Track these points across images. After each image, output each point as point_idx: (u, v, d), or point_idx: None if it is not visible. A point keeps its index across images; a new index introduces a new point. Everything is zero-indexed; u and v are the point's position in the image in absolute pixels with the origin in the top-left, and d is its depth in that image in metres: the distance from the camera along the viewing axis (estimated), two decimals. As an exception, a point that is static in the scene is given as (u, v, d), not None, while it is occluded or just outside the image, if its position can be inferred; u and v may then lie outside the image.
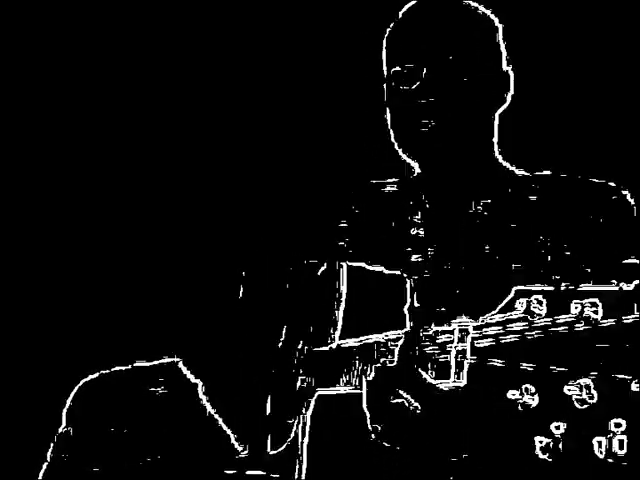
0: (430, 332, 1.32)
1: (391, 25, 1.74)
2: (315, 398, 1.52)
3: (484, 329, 1.23)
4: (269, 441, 1.56)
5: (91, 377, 1.65)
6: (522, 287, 1.20)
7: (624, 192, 1.66)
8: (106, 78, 2.73)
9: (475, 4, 1.73)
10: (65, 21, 2.72)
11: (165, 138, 2.72)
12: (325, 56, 2.64)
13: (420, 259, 1.67)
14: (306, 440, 1.51)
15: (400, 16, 1.73)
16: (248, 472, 1.56)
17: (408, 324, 1.55)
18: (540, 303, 1.18)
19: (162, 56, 2.72)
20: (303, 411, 1.53)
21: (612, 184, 1.67)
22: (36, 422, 2.45)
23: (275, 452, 1.55)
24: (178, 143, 2.73)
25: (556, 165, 1.75)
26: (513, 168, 1.76)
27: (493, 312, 1.22)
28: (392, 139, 1.73)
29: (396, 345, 1.36)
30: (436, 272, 1.65)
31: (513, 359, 1.19)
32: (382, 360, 1.39)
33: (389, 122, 1.73)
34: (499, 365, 1.20)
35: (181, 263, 2.68)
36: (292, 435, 1.54)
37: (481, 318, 1.24)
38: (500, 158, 1.75)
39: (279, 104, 2.68)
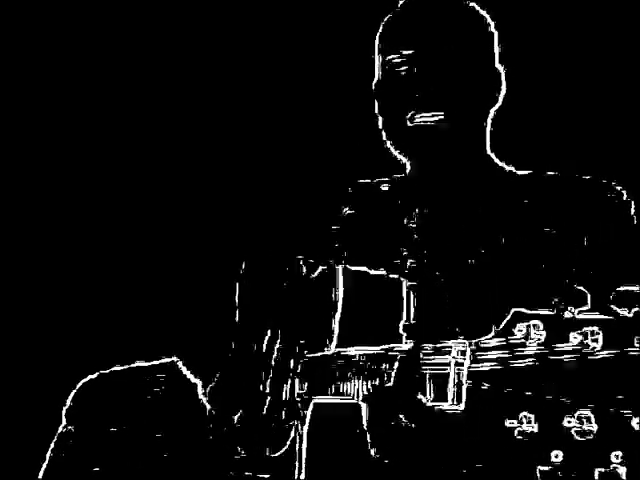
0: (428, 352, 1.31)
1: (388, 17, 1.74)
2: (313, 403, 1.52)
3: (482, 353, 1.22)
4: (267, 444, 1.56)
5: (91, 377, 1.65)
6: (521, 310, 1.18)
7: (619, 188, 1.66)
8: (106, 78, 2.73)
9: (473, 3, 1.73)
10: (65, 21, 2.72)
11: (163, 140, 2.72)
12: (318, 59, 2.64)
13: (415, 263, 1.66)
14: (304, 444, 1.50)
15: (398, 8, 1.73)
16: (246, 474, 1.56)
17: (404, 340, 1.53)
18: (539, 328, 1.16)
19: (161, 56, 2.72)
20: (301, 415, 1.53)
21: (607, 181, 1.67)
22: (36, 422, 2.45)
23: (273, 455, 1.55)
24: (175, 145, 2.72)
25: (551, 164, 1.75)
26: (510, 168, 1.75)
27: (491, 335, 1.21)
28: (384, 136, 1.73)
29: (393, 362, 1.35)
30: (432, 277, 1.64)
31: (510, 385, 1.17)
32: (379, 376, 1.38)
33: (380, 117, 1.72)
34: (497, 390, 1.19)
35: (180, 264, 2.68)
36: (290, 438, 1.54)
37: (479, 340, 1.23)
38: (494, 157, 1.75)
39: (271, 105, 2.68)
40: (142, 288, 2.66)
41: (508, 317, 1.19)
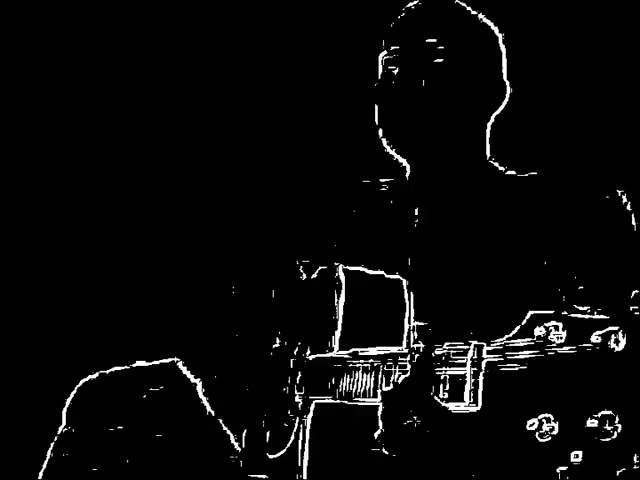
0: (442, 352, 1.30)
1: (390, 26, 1.74)
2: (315, 404, 1.51)
3: (509, 353, 1.21)
4: (267, 445, 1.55)
5: (91, 377, 1.65)
6: (539, 312, 1.18)
7: (619, 192, 1.66)
8: (105, 79, 2.73)
9: (477, 13, 1.73)
10: (65, 21, 2.72)
11: (163, 141, 2.73)
12: (320, 61, 2.65)
13: (416, 263, 1.67)
14: (307, 445, 1.50)
15: (400, 17, 1.73)
16: (248, 475, 1.55)
17: (411, 339, 1.53)
18: (558, 330, 1.16)
19: (161, 57, 2.72)
20: (303, 416, 1.53)
21: (609, 185, 1.67)
22: (36, 422, 2.45)
23: (274, 456, 1.55)
24: (175, 147, 2.73)
25: (549, 167, 1.76)
26: (511, 172, 1.76)
27: (508, 335, 1.21)
28: (383, 140, 1.73)
29: (404, 362, 1.35)
30: (433, 277, 1.64)
31: (532, 385, 1.16)
32: (390, 376, 1.37)
33: (379, 122, 1.73)
34: (517, 391, 1.18)
35: (180, 264, 2.68)
36: (291, 440, 1.54)
37: (497, 341, 1.22)
38: (493, 161, 1.75)
39: (272, 107, 2.68)
40: (143, 288, 2.66)
41: (526, 318, 1.18)
